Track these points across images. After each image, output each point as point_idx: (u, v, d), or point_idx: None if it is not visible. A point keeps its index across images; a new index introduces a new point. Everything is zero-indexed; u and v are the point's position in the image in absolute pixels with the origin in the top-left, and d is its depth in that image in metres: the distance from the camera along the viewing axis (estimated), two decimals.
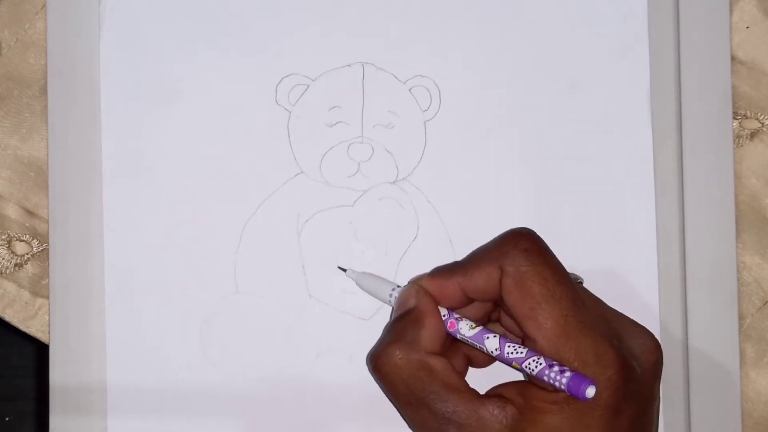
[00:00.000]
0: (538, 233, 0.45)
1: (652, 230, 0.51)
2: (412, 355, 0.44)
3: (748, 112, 0.53)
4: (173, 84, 0.51)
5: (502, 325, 0.47)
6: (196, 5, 0.52)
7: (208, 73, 0.52)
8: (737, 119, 0.53)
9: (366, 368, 0.51)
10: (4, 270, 0.53)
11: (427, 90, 0.52)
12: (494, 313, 0.48)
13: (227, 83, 0.51)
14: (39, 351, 0.55)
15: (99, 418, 0.50)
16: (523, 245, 0.44)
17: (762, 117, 0.53)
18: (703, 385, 0.50)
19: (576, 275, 0.47)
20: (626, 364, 0.43)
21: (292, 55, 0.52)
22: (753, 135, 0.53)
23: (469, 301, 0.46)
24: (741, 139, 0.53)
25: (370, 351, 0.46)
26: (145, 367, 0.51)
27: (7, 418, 0.57)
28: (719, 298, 0.51)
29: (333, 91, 0.51)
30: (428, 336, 0.45)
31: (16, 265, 0.53)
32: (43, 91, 0.52)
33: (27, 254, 0.53)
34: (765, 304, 0.53)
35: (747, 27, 0.53)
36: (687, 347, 0.50)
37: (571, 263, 0.51)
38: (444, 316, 0.45)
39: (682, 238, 0.51)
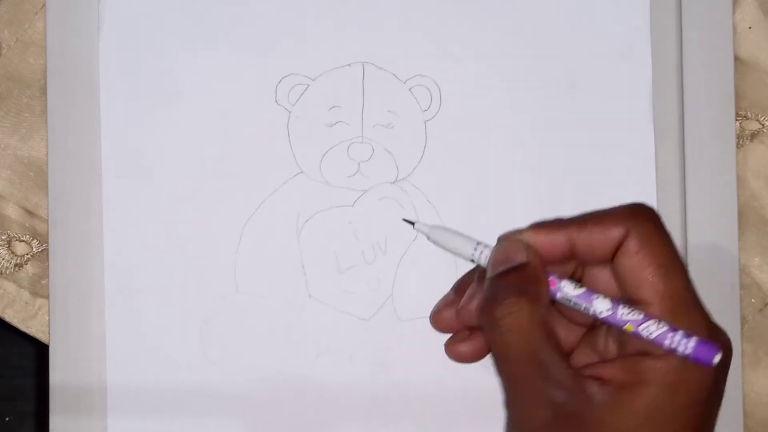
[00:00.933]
0: None
1: None
2: (536, 312, 0.43)
3: (748, 113, 0.53)
4: (173, 84, 0.51)
5: None
6: (196, 5, 0.52)
7: (207, 72, 0.52)
8: (738, 120, 0.53)
9: (365, 368, 0.51)
10: (4, 270, 0.53)
11: (428, 90, 0.52)
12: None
13: (227, 83, 0.51)
14: (39, 351, 0.55)
15: (99, 418, 0.50)
16: (652, 216, 0.44)
17: (762, 118, 0.53)
18: None
19: None
20: (731, 351, 0.43)
21: (292, 55, 0.52)
22: (753, 136, 0.53)
23: (566, 260, 0.45)
24: (741, 140, 0.53)
25: (482, 301, 0.45)
26: (145, 367, 0.51)
27: (7, 418, 0.57)
28: (720, 299, 0.51)
29: (333, 90, 0.51)
30: (545, 295, 0.44)
31: (16, 265, 0.53)
32: (43, 91, 0.52)
33: (27, 254, 0.53)
34: (766, 306, 0.53)
35: (749, 27, 0.53)
36: None
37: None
38: None
39: (684, 239, 0.51)
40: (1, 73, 0.53)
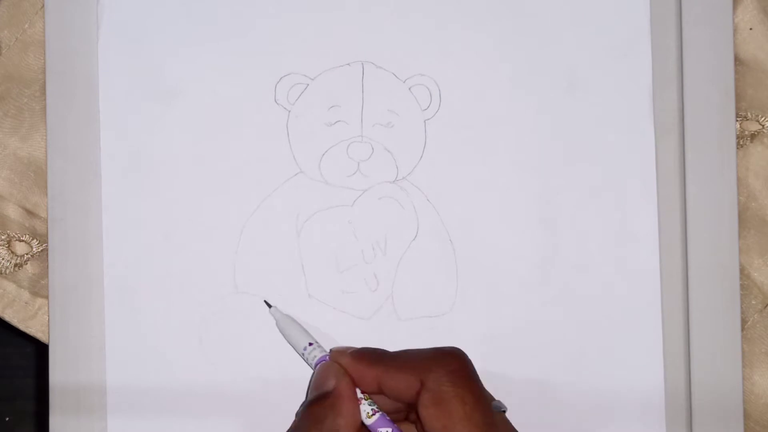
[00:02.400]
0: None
1: (654, 231, 0.51)
2: None
3: (748, 113, 0.53)
4: (172, 83, 0.51)
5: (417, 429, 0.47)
6: (195, 5, 0.52)
7: (206, 72, 0.52)
8: (737, 120, 0.53)
9: None
10: (4, 270, 0.53)
11: (427, 89, 0.52)
12: (413, 413, 0.47)
13: (226, 82, 0.51)
14: (39, 351, 0.55)
15: (99, 418, 0.50)
16: (450, 366, 0.44)
17: (762, 119, 0.53)
18: (706, 387, 0.50)
19: (500, 404, 0.47)
20: None
21: (292, 54, 0.52)
22: (753, 137, 0.53)
23: (382, 393, 0.46)
24: (741, 141, 0.53)
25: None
26: (145, 367, 0.51)
27: (7, 418, 0.57)
28: (721, 300, 0.51)
29: (332, 90, 0.51)
30: (345, 425, 0.45)
31: (16, 265, 0.53)
32: (43, 90, 0.52)
33: (27, 254, 0.53)
34: (766, 307, 0.53)
35: (750, 29, 0.53)
36: (689, 349, 0.50)
37: (572, 264, 0.51)
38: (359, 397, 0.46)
39: (684, 239, 0.51)
40: (1, 73, 0.53)
